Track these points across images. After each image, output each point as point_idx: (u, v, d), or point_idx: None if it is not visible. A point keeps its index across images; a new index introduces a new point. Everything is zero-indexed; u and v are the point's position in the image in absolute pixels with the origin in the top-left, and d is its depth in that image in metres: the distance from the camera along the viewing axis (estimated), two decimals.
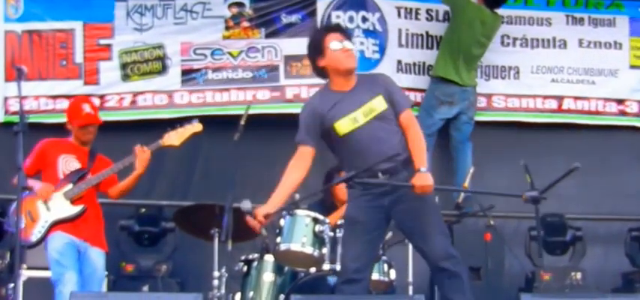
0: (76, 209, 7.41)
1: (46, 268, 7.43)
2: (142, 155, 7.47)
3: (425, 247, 6.51)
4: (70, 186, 7.44)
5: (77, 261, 7.34)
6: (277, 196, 6.78)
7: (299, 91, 9.66)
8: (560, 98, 10.09)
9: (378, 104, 6.59)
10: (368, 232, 6.61)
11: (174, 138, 7.63)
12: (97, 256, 7.48)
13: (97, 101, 9.24)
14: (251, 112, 7.89)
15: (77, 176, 7.49)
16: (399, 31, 9.81)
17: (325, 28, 7.31)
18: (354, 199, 6.67)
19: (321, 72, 6.75)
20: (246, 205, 6.88)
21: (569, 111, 10.12)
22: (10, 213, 7.48)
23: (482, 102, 9.93)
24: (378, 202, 6.56)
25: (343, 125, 6.59)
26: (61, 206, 7.40)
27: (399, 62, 9.76)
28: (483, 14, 9.49)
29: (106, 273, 8.02)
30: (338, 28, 6.99)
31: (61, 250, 7.27)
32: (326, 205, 8.31)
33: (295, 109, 9.46)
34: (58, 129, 8.03)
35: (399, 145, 6.51)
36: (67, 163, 7.54)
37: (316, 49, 6.70)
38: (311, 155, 6.79)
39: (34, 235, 7.33)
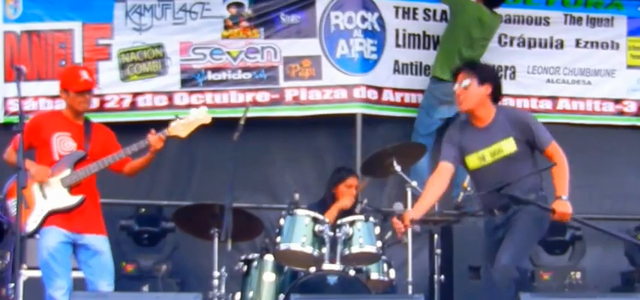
0: (75, 199, 7.15)
1: None
2: (157, 144, 7.21)
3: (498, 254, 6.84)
4: (67, 171, 7.16)
5: (69, 263, 7.14)
6: (422, 204, 7.02)
7: (298, 93, 9.70)
8: (555, 98, 10.15)
9: (507, 146, 6.83)
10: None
11: (180, 129, 7.40)
12: (97, 242, 7.24)
13: (96, 102, 9.18)
14: (250, 113, 7.86)
15: (75, 160, 7.20)
16: (397, 31, 9.82)
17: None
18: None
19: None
20: (398, 207, 7.42)
21: (564, 111, 10.17)
22: (3, 194, 7.21)
23: None
24: (495, 236, 6.97)
25: (471, 161, 6.94)
26: (58, 195, 7.13)
27: (396, 62, 9.78)
28: (482, 14, 9.49)
29: None
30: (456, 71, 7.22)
31: (53, 251, 7.05)
32: (326, 205, 8.34)
33: (294, 112, 9.61)
34: None
35: (522, 184, 6.77)
36: (62, 143, 7.23)
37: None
38: (450, 172, 7.04)
39: (30, 225, 7.06)
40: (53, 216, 7.11)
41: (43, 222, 7.11)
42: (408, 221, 6.87)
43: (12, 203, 7.02)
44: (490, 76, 7.06)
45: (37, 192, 7.12)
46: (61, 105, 8.48)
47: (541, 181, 6.97)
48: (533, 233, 7.01)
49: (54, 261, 7.03)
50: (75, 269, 7.32)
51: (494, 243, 6.92)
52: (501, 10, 9.80)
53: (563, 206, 6.79)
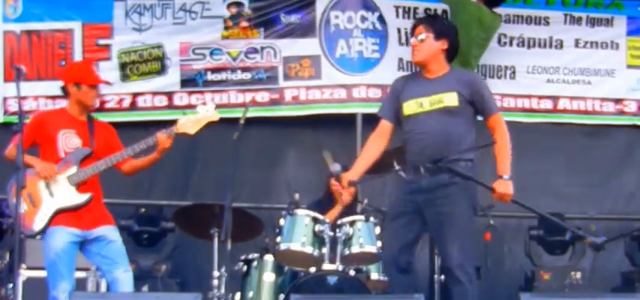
0: (83, 198, 7.08)
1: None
2: (166, 143, 7.16)
3: (443, 252, 6.87)
4: (74, 169, 7.07)
5: (74, 265, 7.05)
6: (359, 164, 7.04)
7: (298, 93, 9.72)
8: (555, 98, 10.13)
9: (449, 99, 6.80)
10: (405, 224, 6.89)
11: (189, 126, 7.34)
12: (107, 231, 7.15)
13: (96, 102, 9.22)
14: (250, 114, 7.89)
15: (81, 157, 7.13)
16: (399, 29, 9.82)
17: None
18: (394, 191, 7.02)
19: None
20: (335, 167, 7.28)
21: (564, 111, 10.14)
22: (8, 194, 7.09)
23: None
24: (412, 197, 6.81)
25: (408, 107, 6.86)
26: (65, 193, 7.04)
27: (401, 60, 9.78)
28: (483, 13, 9.46)
29: None
30: (415, 24, 7.20)
31: (59, 252, 6.93)
32: (324, 204, 8.34)
33: (294, 111, 9.62)
34: None
35: (456, 146, 6.72)
36: (68, 140, 7.15)
37: None
38: (389, 130, 7.03)
39: (37, 224, 6.98)
40: (61, 215, 7.02)
41: (51, 221, 7.01)
42: (346, 182, 6.97)
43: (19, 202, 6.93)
44: (447, 33, 7.07)
45: (44, 190, 7.04)
46: (60, 104, 8.48)
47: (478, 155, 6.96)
48: (474, 225, 7.00)
49: (60, 262, 6.94)
50: (79, 269, 7.31)
51: (409, 204, 6.84)
52: (501, 10, 9.78)
53: (504, 186, 6.74)
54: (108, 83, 7.60)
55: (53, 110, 7.41)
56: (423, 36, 6.97)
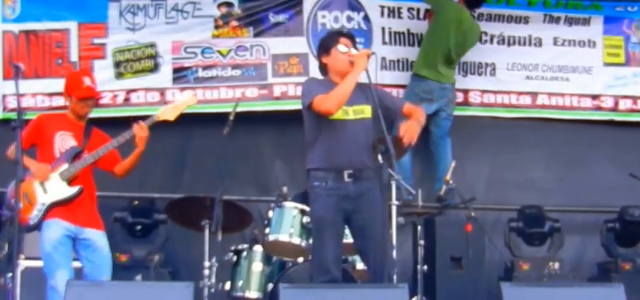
0: (73, 190, 7.24)
1: None
2: (140, 133, 7.25)
3: (369, 259, 6.85)
4: (66, 165, 7.25)
5: (70, 255, 7.22)
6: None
7: (286, 89, 9.79)
8: (534, 94, 10.24)
9: (367, 111, 6.88)
10: (339, 233, 6.89)
11: (169, 113, 7.44)
12: (96, 237, 7.31)
13: None
14: (240, 108, 8.01)
15: (72, 154, 7.31)
16: (383, 29, 9.94)
17: (338, 32, 7.54)
18: (319, 199, 6.86)
19: (323, 69, 7.07)
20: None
21: (543, 106, 10.24)
22: (7, 194, 7.32)
23: (459, 97, 10.07)
24: (342, 205, 6.81)
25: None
26: (57, 188, 7.22)
27: (384, 59, 9.87)
28: (462, 15, 9.59)
29: None
30: (349, 36, 7.23)
31: (55, 243, 7.11)
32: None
33: (282, 106, 9.63)
34: None
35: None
36: (64, 141, 7.35)
37: (324, 48, 7.04)
38: None
39: (32, 219, 7.14)
40: (55, 209, 7.20)
41: (45, 215, 7.20)
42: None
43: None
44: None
45: (38, 188, 7.21)
46: (57, 101, 8.67)
47: None
48: None
49: (56, 252, 7.11)
50: (75, 259, 7.37)
51: (338, 212, 6.78)
52: (483, 9, 9.94)
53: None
54: (95, 95, 7.59)
55: (54, 114, 7.52)
56: (355, 51, 6.99)
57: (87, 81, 7.53)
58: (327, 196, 6.82)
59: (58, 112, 7.69)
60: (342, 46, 6.99)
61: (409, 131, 6.71)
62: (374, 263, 6.77)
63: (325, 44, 7.09)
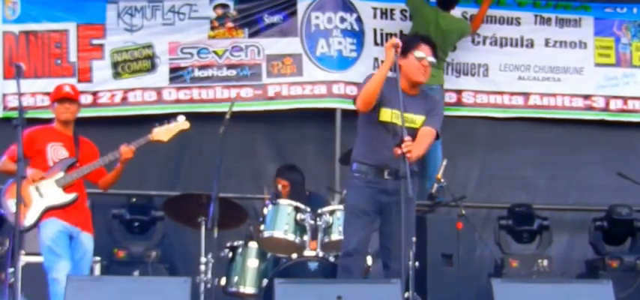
0: (69, 197, 7.47)
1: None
2: (127, 154, 7.50)
3: (392, 257, 6.89)
4: (61, 174, 7.47)
5: (69, 248, 7.42)
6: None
7: (280, 89, 9.86)
8: (526, 95, 10.26)
9: (418, 122, 6.94)
10: (370, 222, 6.99)
11: (162, 134, 7.69)
12: (88, 241, 7.55)
13: (89, 98, 9.51)
14: (235, 108, 8.07)
15: (67, 164, 7.52)
16: (375, 30, 9.97)
17: (420, 37, 7.29)
18: (356, 189, 7.00)
19: (396, 67, 6.91)
20: None
21: (535, 106, 10.26)
22: (2, 198, 7.45)
23: (452, 97, 10.11)
24: (377, 197, 6.92)
25: (386, 113, 6.89)
26: (53, 193, 7.43)
27: (376, 60, 9.87)
28: (440, 17, 9.58)
29: (99, 258, 8.29)
30: (430, 43, 7.15)
31: (54, 237, 7.32)
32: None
33: (276, 106, 9.72)
34: None
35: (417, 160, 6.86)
36: (56, 151, 7.56)
37: (402, 50, 6.92)
38: None
39: (28, 220, 7.31)
40: (51, 211, 7.43)
41: (42, 216, 7.41)
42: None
43: (10, 203, 7.32)
44: None
45: (34, 192, 7.42)
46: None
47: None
48: None
49: (56, 245, 7.32)
50: None
51: (373, 203, 6.90)
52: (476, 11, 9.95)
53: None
54: (72, 97, 7.73)
55: (42, 127, 7.70)
56: (432, 59, 7.03)
57: (66, 87, 7.79)
58: (365, 187, 6.96)
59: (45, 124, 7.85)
60: (420, 52, 6.98)
61: (408, 146, 6.64)
62: (392, 259, 6.87)
63: (405, 47, 6.98)
